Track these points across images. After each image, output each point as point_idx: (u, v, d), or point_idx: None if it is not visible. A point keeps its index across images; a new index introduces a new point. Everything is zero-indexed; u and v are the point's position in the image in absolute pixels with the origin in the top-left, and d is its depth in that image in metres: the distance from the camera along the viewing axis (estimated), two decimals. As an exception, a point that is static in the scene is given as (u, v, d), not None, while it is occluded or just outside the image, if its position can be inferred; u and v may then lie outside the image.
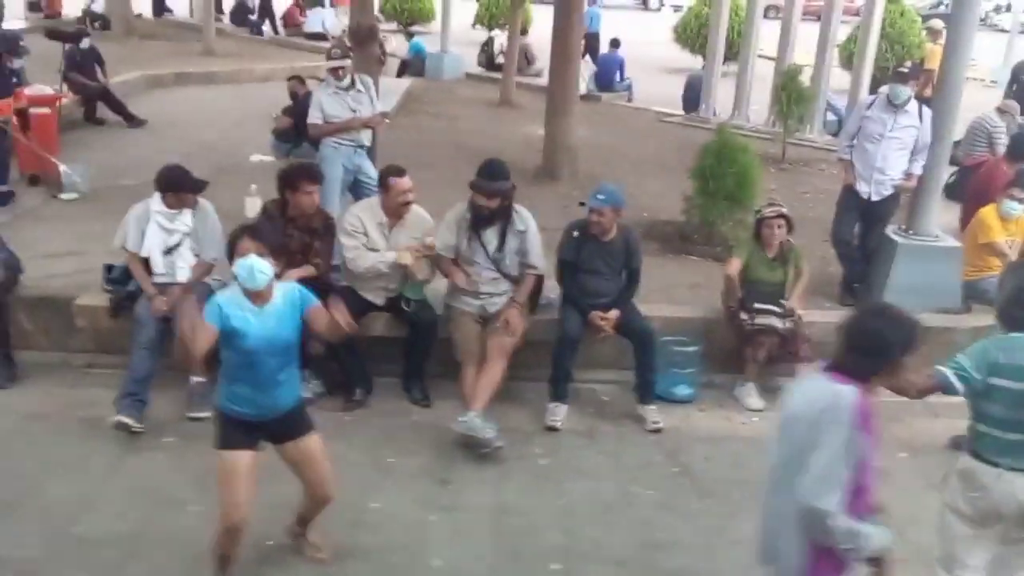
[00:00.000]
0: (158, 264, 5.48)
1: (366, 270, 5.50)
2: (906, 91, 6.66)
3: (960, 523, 3.51)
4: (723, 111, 13.41)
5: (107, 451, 4.98)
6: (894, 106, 6.66)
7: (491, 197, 5.44)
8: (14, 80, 8.65)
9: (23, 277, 6.00)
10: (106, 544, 4.23)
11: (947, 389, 3.45)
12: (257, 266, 3.59)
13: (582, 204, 5.63)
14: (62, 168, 8.36)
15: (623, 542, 4.45)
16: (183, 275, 5.48)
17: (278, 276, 3.72)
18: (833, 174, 10.51)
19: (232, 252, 3.68)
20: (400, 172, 5.55)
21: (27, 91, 8.89)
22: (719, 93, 13.69)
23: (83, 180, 8.34)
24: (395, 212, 5.56)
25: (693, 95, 14.00)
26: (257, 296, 3.69)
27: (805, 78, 11.40)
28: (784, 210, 5.92)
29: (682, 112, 14.13)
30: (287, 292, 3.79)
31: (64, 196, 8.27)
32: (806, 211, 8.88)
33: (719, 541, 4.46)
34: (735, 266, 5.91)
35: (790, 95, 10.82)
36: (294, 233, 5.53)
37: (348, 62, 7.22)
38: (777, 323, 5.77)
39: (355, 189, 7.25)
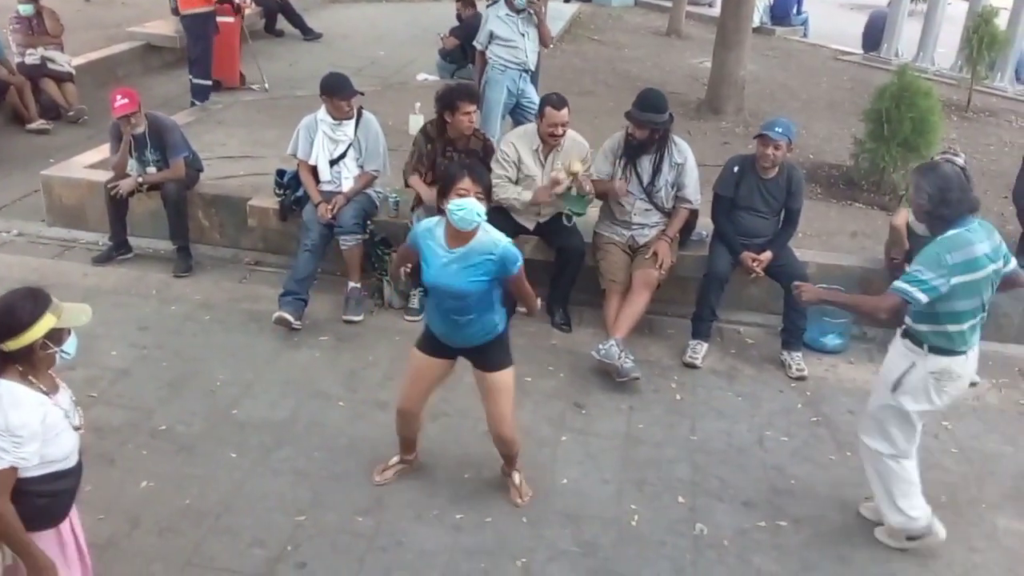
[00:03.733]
0: (325, 172, 5.73)
1: (501, 201, 5.47)
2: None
3: (922, 419, 3.87)
4: (906, 52, 12.58)
5: (267, 344, 5.33)
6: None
7: (642, 128, 5.37)
8: None
9: (202, 176, 6.42)
10: (260, 428, 4.56)
11: (911, 302, 3.65)
12: (476, 209, 3.50)
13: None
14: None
15: (752, 485, 4.41)
16: (348, 184, 5.72)
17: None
18: (1022, 126, 9.79)
19: (448, 188, 3.56)
20: (559, 103, 5.42)
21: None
22: (904, 32, 12.82)
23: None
24: (548, 140, 5.55)
25: (875, 33, 13.17)
26: (455, 236, 3.60)
27: (1001, 21, 10.50)
28: (960, 160, 5.54)
29: (861, 51, 13.35)
30: (488, 249, 3.60)
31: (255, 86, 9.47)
32: (988, 164, 8.34)
33: (852, 495, 4.36)
34: (903, 217, 5.61)
35: (982, 39, 10.02)
36: (453, 155, 5.62)
37: None
38: None
39: (515, 113, 7.28)
